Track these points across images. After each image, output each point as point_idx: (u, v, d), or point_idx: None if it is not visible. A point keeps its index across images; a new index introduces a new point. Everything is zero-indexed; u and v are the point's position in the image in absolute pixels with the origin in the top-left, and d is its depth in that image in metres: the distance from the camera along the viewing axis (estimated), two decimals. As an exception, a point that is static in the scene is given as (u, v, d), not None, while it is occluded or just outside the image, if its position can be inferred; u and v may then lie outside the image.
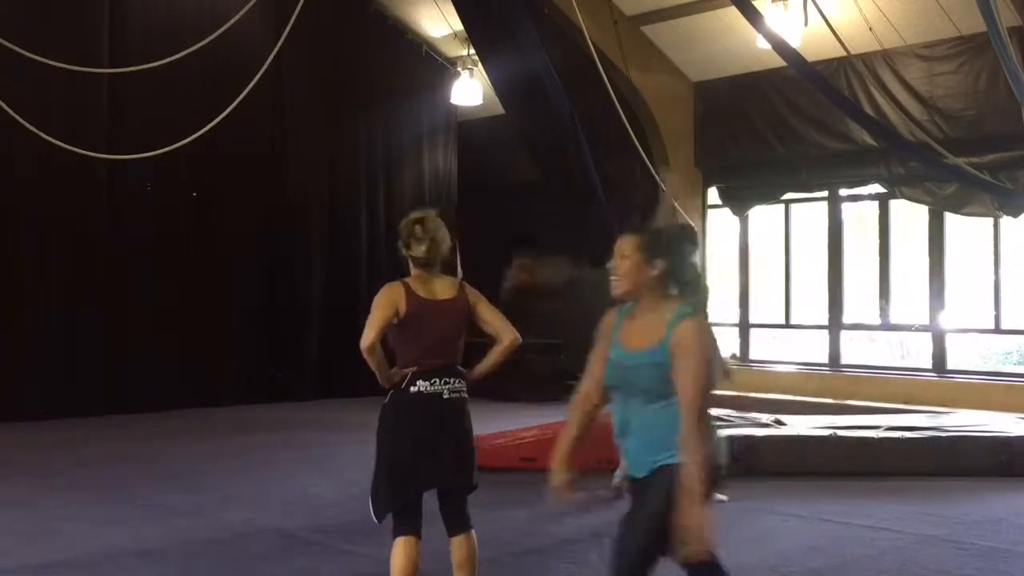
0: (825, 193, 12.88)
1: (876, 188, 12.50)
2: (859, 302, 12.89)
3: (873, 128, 10.46)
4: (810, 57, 10.05)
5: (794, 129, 12.61)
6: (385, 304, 4.43)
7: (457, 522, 4.58)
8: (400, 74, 14.79)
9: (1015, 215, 11.04)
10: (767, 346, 13.98)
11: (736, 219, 13.70)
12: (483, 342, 4.60)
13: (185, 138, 10.15)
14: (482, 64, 11.37)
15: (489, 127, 14.82)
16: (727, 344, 13.08)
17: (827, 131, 12.22)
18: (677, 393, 3.38)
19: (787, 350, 13.67)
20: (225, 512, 7.09)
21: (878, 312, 12.58)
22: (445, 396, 4.43)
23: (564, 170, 9.61)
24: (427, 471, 4.44)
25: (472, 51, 13.48)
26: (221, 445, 10.12)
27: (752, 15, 8.98)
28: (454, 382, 4.47)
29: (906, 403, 11.05)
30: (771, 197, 13.33)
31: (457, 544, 4.57)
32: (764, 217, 13.73)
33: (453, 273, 14.39)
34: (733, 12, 9.71)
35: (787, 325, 13.44)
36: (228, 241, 12.97)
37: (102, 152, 11.09)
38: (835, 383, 12.33)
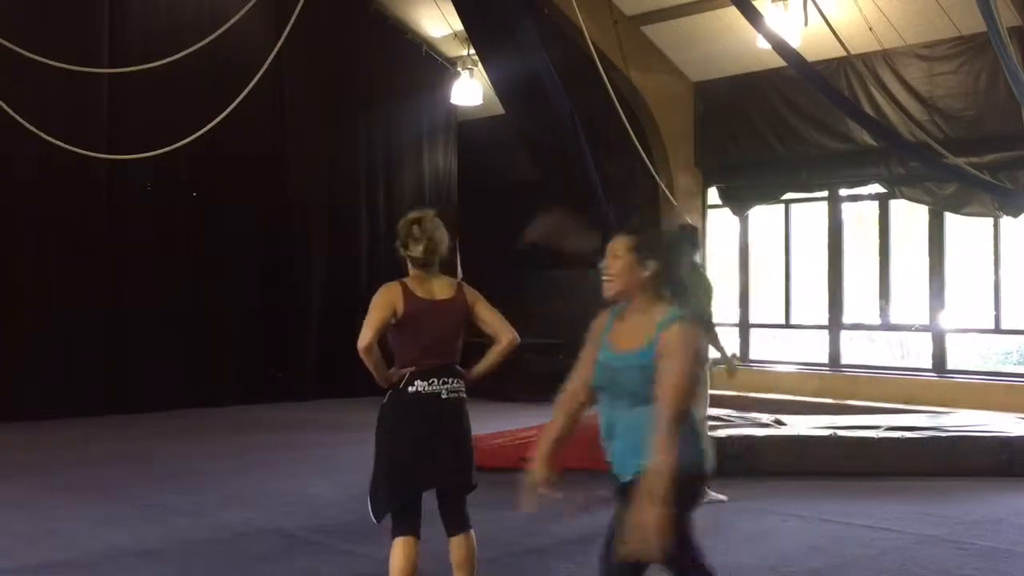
0: (825, 193, 12.87)
1: (876, 188, 12.50)
2: (859, 302, 12.89)
3: (873, 128, 10.46)
4: (810, 57, 10.05)
5: (794, 129, 12.60)
6: (382, 304, 4.43)
7: (456, 522, 4.58)
8: (400, 74, 14.79)
9: (1015, 215, 11.04)
10: (767, 346, 13.99)
11: (736, 219, 13.70)
12: (481, 342, 4.59)
13: (185, 138, 10.15)
14: (482, 64, 11.36)
15: (489, 127, 14.81)
16: (728, 344, 13.07)
17: (827, 131, 12.22)
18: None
19: (787, 350, 13.67)
20: (225, 512, 7.09)
21: (878, 312, 12.58)
22: (443, 396, 4.43)
23: (564, 170, 9.60)
24: (426, 471, 4.44)
25: (472, 51, 13.48)
26: (221, 445, 10.12)
27: (752, 15, 8.98)
28: (452, 382, 4.47)
29: (906, 403, 11.05)
30: (771, 197, 13.33)
31: (456, 544, 4.57)
32: (764, 217, 13.73)
33: (453, 273, 14.44)
34: (733, 12, 9.71)
35: (787, 325, 13.44)
36: (228, 241, 12.97)
37: (102, 152, 11.10)
38: (835, 383, 12.33)
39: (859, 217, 13.34)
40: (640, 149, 11.23)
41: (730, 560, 5.95)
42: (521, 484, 3.64)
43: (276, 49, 10.59)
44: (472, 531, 4.61)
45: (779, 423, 9.34)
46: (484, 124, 15.12)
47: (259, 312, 13.40)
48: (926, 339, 12.19)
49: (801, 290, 13.31)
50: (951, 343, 12.03)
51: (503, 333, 4.54)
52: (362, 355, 4.37)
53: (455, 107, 15.46)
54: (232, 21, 10.33)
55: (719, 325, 8.00)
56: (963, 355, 12.60)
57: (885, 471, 8.44)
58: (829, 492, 7.84)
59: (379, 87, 14.54)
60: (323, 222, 14.07)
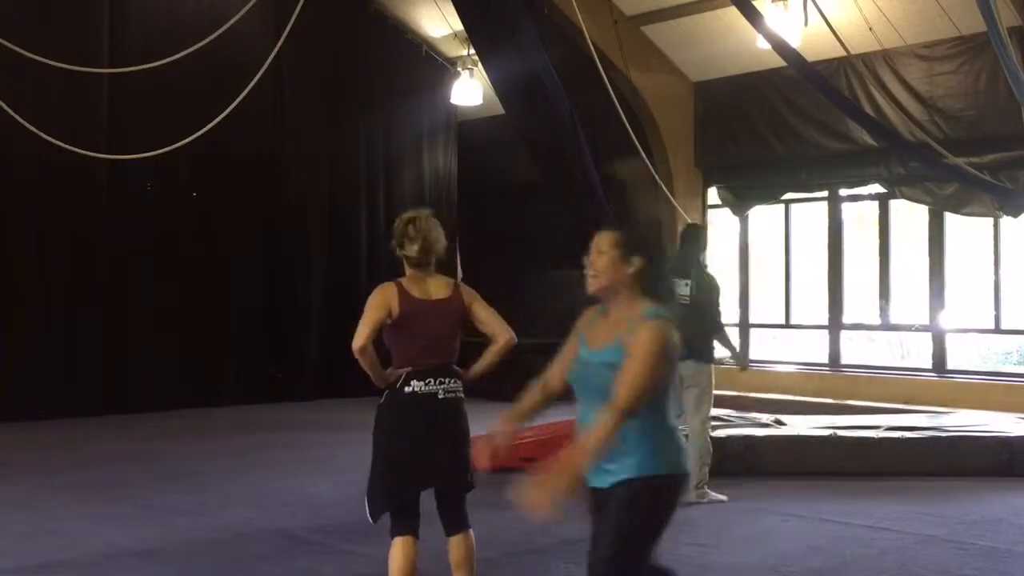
0: (825, 193, 12.87)
1: (876, 188, 12.50)
2: (859, 302, 12.89)
3: (873, 128, 10.46)
4: (810, 57, 10.05)
5: (794, 129, 12.61)
6: (378, 305, 4.43)
7: (455, 522, 4.58)
8: (400, 74, 14.78)
9: (1015, 215, 11.04)
10: (767, 346, 13.99)
11: (736, 219, 13.70)
12: (479, 342, 4.59)
13: (185, 138, 10.16)
14: (482, 64, 11.36)
15: (489, 127, 14.81)
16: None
17: (827, 131, 12.21)
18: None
19: (787, 350, 13.67)
20: (225, 512, 7.09)
21: (878, 312, 12.58)
22: (440, 396, 4.43)
23: (564, 170, 9.60)
24: (423, 471, 4.44)
25: (472, 51, 13.47)
26: (221, 445, 10.12)
27: (752, 15, 8.98)
28: (449, 382, 4.47)
29: (906, 403, 11.05)
30: (771, 197, 13.33)
31: (455, 544, 4.57)
32: (764, 217, 13.73)
33: (452, 273, 14.45)
34: (733, 12, 9.71)
35: (787, 325, 13.44)
36: (228, 241, 12.97)
37: (102, 152, 11.10)
38: (835, 383, 12.32)
39: (859, 217, 13.34)
40: (640, 149, 11.23)
41: (730, 560, 5.96)
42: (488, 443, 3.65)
43: (276, 49, 10.59)
44: (471, 531, 4.61)
45: (779, 423, 9.33)
46: (484, 124, 15.11)
47: (259, 312, 13.39)
48: (926, 339, 12.19)
49: (801, 290, 13.31)
50: (951, 343, 12.03)
51: (500, 332, 4.54)
52: (357, 356, 4.37)
53: (455, 107, 15.45)
54: (232, 21, 10.33)
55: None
56: (963, 355, 12.61)
57: (885, 471, 8.44)
58: (829, 492, 7.84)
59: (379, 87, 14.53)
60: (323, 222, 14.07)
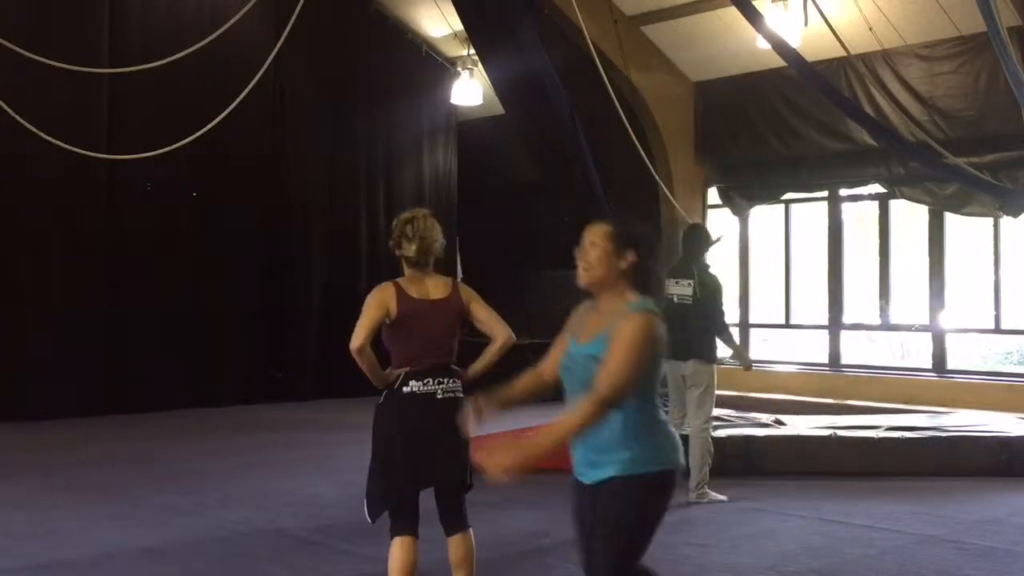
0: (825, 193, 12.88)
1: (876, 188, 12.50)
2: (859, 302, 12.89)
3: (873, 128, 10.46)
4: (810, 57, 10.05)
5: (794, 129, 12.61)
6: (376, 305, 4.43)
7: (454, 521, 4.58)
8: (400, 74, 14.78)
9: (1015, 215, 11.04)
10: (767, 346, 13.99)
11: (736, 219, 13.70)
12: (479, 341, 4.59)
13: (185, 138, 10.15)
14: (482, 64, 11.36)
15: (489, 127, 14.82)
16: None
17: (827, 131, 12.22)
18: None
19: (787, 350, 13.68)
20: (225, 512, 7.09)
21: (878, 312, 12.58)
22: (439, 396, 4.43)
23: (564, 170, 9.61)
24: (422, 471, 4.44)
25: (472, 51, 13.48)
26: (221, 445, 10.12)
27: (752, 15, 8.98)
28: (448, 382, 4.46)
29: (906, 403, 11.05)
30: (771, 197, 13.33)
31: (455, 543, 4.57)
32: (764, 217, 13.73)
33: (452, 273, 14.45)
34: (733, 12, 9.71)
35: (787, 325, 13.44)
36: (228, 241, 12.96)
37: (102, 152, 11.09)
38: (835, 383, 12.33)
39: (859, 217, 13.34)
40: (640, 149, 11.23)
41: (730, 560, 5.96)
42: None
43: (276, 49, 10.59)
44: (471, 530, 4.61)
45: (779, 423, 9.33)
46: (484, 124, 15.12)
47: (259, 312, 13.39)
48: (926, 339, 12.19)
49: (801, 290, 13.31)
50: (951, 343, 12.03)
51: (499, 332, 4.54)
52: (355, 356, 4.37)
53: (455, 107, 15.46)
54: (232, 21, 10.33)
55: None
56: (963, 355, 12.61)
57: (885, 471, 8.44)
58: (829, 492, 7.84)
59: (379, 87, 14.53)
60: (323, 222, 14.06)
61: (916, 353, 13.00)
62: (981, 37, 9.84)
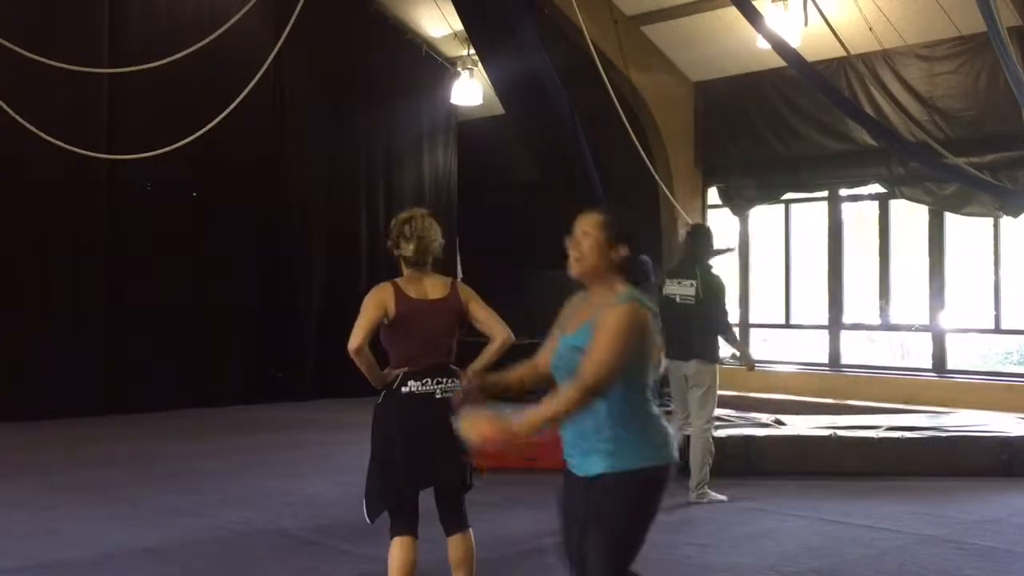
0: (825, 193, 12.87)
1: (876, 188, 12.49)
2: (859, 302, 12.89)
3: (873, 128, 10.46)
4: (810, 57, 10.05)
5: (794, 129, 12.60)
6: (374, 305, 4.43)
7: (454, 521, 4.58)
8: (400, 74, 14.78)
9: (1015, 215, 11.04)
10: (767, 346, 13.99)
11: (736, 219, 13.70)
12: (478, 341, 4.59)
13: (185, 138, 10.16)
14: (482, 64, 11.36)
15: (489, 127, 14.82)
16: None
17: (827, 131, 12.21)
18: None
19: (787, 350, 13.68)
20: (225, 512, 7.09)
21: (878, 312, 12.58)
22: (438, 396, 4.42)
23: (564, 170, 9.61)
24: (421, 471, 4.44)
25: (472, 51, 13.48)
26: (221, 445, 10.12)
27: (752, 15, 8.99)
28: (447, 382, 4.46)
29: (906, 403, 11.04)
30: (771, 197, 13.33)
31: (454, 543, 4.57)
32: (764, 217, 13.73)
33: (452, 273, 14.45)
34: (733, 12, 9.71)
35: (787, 325, 13.44)
36: (228, 241, 12.96)
37: (102, 152, 11.10)
38: (835, 383, 12.32)
39: (859, 217, 13.34)
40: (640, 149, 11.23)
41: (730, 560, 5.96)
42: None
43: (276, 49, 10.60)
44: (471, 530, 4.61)
45: (779, 423, 9.34)
46: (484, 124, 15.12)
47: (259, 312, 13.39)
48: (926, 339, 12.19)
49: (801, 290, 13.31)
50: (951, 343, 12.02)
51: (498, 331, 4.53)
52: (353, 356, 4.38)
53: (455, 107, 15.46)
54: (232, 21, 10.33)
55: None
56: (963, 355, 12.60)
57: (885, 471, 8.44)
58: (829, 492, 7.84)
59: (379, 87, 14.53)
60: (323, 222, 14.07)
61: (916, 353, 12.99)
62: (981, 37, 9.84)
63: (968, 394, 11.08)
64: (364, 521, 4.54)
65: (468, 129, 15.74)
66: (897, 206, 12.40)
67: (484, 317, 4.58)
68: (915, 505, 7.39)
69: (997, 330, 11.83)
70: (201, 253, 12.76)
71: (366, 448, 4.56)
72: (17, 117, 9.53)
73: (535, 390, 3.58)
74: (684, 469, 7.61)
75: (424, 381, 4.42)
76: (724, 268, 13.42)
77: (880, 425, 9.16)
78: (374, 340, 4.44)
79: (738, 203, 13.58)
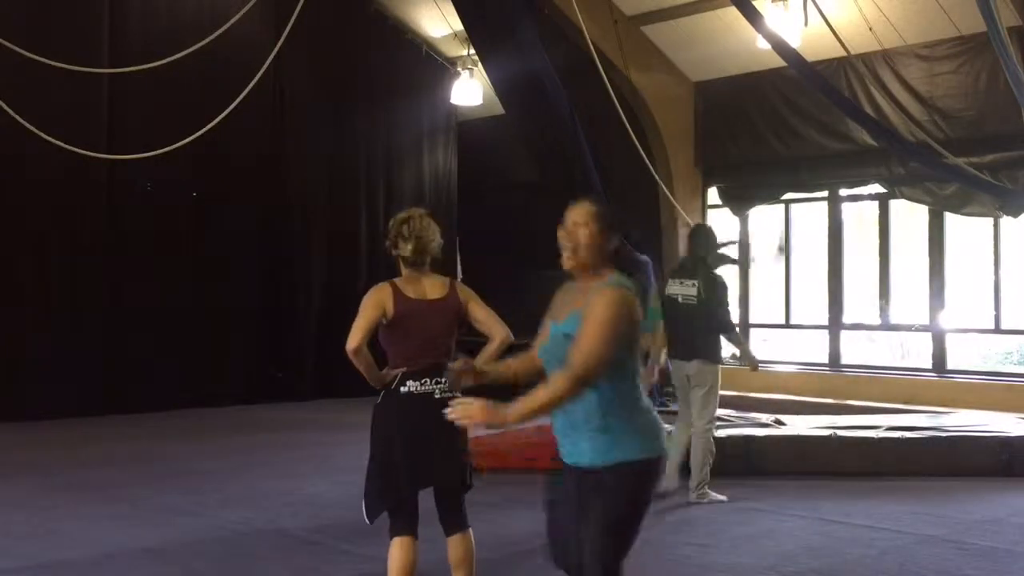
0: (825, 193, 12.88)
1: (876, 188, 12.50)
2: (859, 302, 12.89)
3: (873, 128, 10.46)
4: (810, 57, 10.05)
5: (794, 129, 12.61)
6: (372, 305, 4.43)
7: (454, 521, 4.58)
8: (400, 74, 14.78)
9: (1015, 215, 11.04)
10: (767, 346, 13.99)
11: (736, 219, 13.70)
12: (477, 341, 4.59)
13: (185, 138, 10.16)
14: (482, 64, 11.36)
15: (489, 127, 14.82)
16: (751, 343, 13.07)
17: (827, 131, 12.22)
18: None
19: (787, 350, 13.68)
20: (225, 512, 7.09)
21: (878, 312, 12.58)
22: (436, 395, 4.42)
23: (564, 170, 9.61)
24: (420, 471, 4.44)
25: (472, 51, 13.48)
26: (221, 445, 10.12)
27: (752, 15, 8.98)
28: (446, 381, 4.46)
29: (906, 403, 11.05)
30: (771, 197, 13.33)
31: (454, 543, 4.57)
32: (764, 217, 13.73)
33: (452, 272, 14.45)
34: (733, 12, 9.71)
35: (787, 325, 13.44)
36: (228, 241, 12.96)
37: (102, 152, 11.10)
38: (835, 383, 12.32)
39: (859, 217, 13.34)
40: (640, 149, 11.23)
41: (730, 560, 5.96)
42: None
43: (276, 49, 10.60)
44: (470, 530, 4.61)
45: (779, 423, 9.34)
46: (484, 124, 15.12)
47: (259, 312, 13.39)
48: (926, 339, 12.19)
49: (801, 290, 13.31)
50: (951, 343, 12.03)
51: (497, 331, 4.53)
52: (351, 357, 4.38)
53: (455, 107, 15.46)
54: (232, 21, 10.34)
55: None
56: (963, 355, 12.60)
57: (885, 471, 8.44)
58: (829, 492, 7.84)
59: (379, 87, 14.53)
60: (323, 222, 14.07)
61: (916, 353, 12.99)
62: (981, 37, 9.84)
63: (968, 394, 11.09)
64: (364, 521, 4.54)
65: (468, 129, 15.74)
66: (897, 206, 12.40)
67: (483, 317, 4.58)
68: (915, 505, 7.39)
69: (997, 330, 11.83)
70: (201, 253, 12.76)
71: (366, 448, 4.56)
72: (17, 117, 9.53)
73: (530, 383, 3.56)
74: (685, 468, 7.63)
75: (423, 381, 4.42)
76: (724, 268, 13.50)
77: (880, 425, 9.16)
78: (373, 340, 4.44)
79: (738, 203, 13.58)
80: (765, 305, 13.69)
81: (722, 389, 7.66)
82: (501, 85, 10.04)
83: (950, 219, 11.87)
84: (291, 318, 13.68)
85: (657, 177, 11.89)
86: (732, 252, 8.02)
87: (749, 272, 13.70)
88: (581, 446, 3.32)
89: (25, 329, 11.45)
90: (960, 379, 11.66)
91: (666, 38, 13.17)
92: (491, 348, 4.51)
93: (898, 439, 8.74)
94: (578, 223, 3.38)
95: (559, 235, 3.43)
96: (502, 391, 3.68)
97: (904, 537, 6.51)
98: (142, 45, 11.56)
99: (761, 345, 13.87)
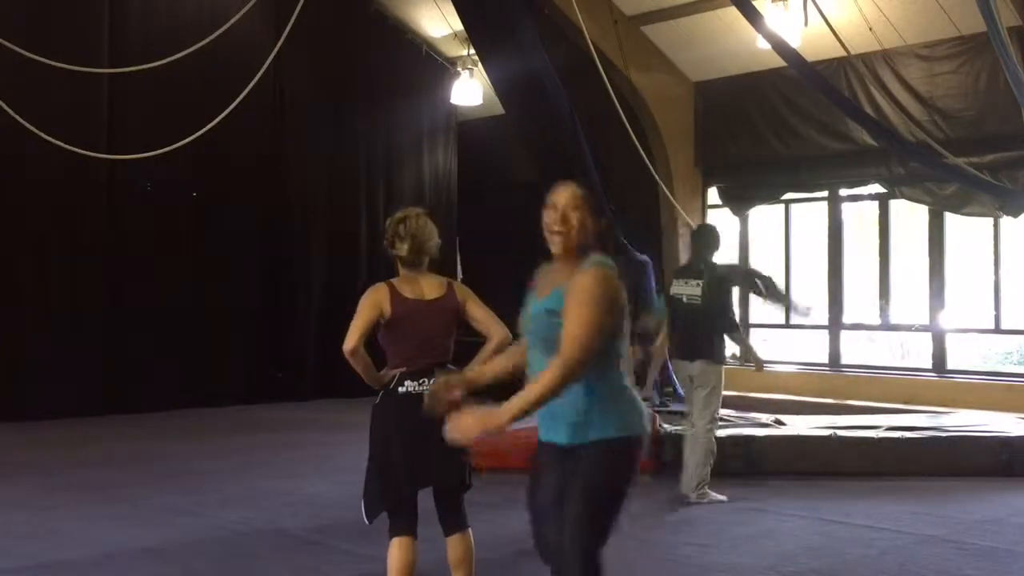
0: (825, 193, 12.87)
1: (876, 188, 12.49)
2: (859, 302, 12.89)
3: (873, 128, 10.46)
4: (810, 57, 10.05)
5: (794, 129, 12.60)
6: (369, 306, 4.43)
7: (453, 521, 4.58)
8: (400, 74, 14.78)
9: (1015, 215, 11.04)
10: (767, 346, 13.98)
11: (736, 219, 13.70)
12: (477, 341, 4.59)
13: (185, 138, 10.16)
14: (482, 64, 11.37)
15: (489, 127, 14.82)
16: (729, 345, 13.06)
17: (827, 131, 12.21)
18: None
19: (787, 350, 13.68)
20: (225, 512, 7.09)
21: (878, 312, 12.58)
22: None
23: (564, 170, 9.61)
24: (419, 471, 4.43)
25: (472, 51, 13.49)
26: (221, 445, 10.12)
27: (752, 15, 8.98)
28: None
29: (906, 403, 11.05)
30: (771, 197, 13.33)
31: (453, 543, 4.57)
32: (764, 217, 13.73)
33: (452, 272, 14.44)
34: (733, 12, 9.71)
35: (787, 325, 13.44)
36: (228, 241, 12.96)
37: (102, 152, 11.10)
38: (835, 383, 12.32)
39: (859, 217, 13.34)
40: (640, 149, 11.23)
41: (730, 560, 5.96)
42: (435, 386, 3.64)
43: (276, 49, 10.60)
44: (470, 530, 4.61)
45: (779, 423, 9.34)
46: (484, 124, 15.12)
47: (259, 312, 13.39)
48: (926, 339, 12.19)
49: (801, 290, 13.30)
50: (951, 343, 12.03)
51: (495, 331, 4.52)
52: (348, 357, 4.38)
53: (455, 107, 15.46)
54: (232, 21, 10.35)
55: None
56: (963, 355, 12.60)
57: (885, 471, 8.44)
58: (829, 492, 7.85)
59: (379, 87, 14.53)
60: (323, 222, 14.07)
61: (916, 353, 12.99)
62: (981, 37, 9.84)
63: (968, 394, 11.08)
64: (363, 521, 4.54)
65: (468, 129, 15.74)
66: (897, 206, 12.40)
67: (481, 316, 4.57)
68: (915, 505, 7.39)
69: (997, 330, 11.83)
70: (201, 253, 12.76)
71: (366, 448, 4.56)
72: (17, 117, 9.54)
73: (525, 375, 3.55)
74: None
75: (421, 381, 4.42)
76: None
77: (880, 425, 9.16)
78: (373, 340, 4.44)
79: (738, 203, 13.58)
80: (765, 305, 13.68)
81: (723, 389, 7.65)
82: (501, 85, 10.05)
83: (950, 219, 11.87)
84: (291, 318, 13.68)
85: (657, 177, 11.89)
86: (801, 308, 7.95)
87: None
88: (559, 424, 3.30)
89: (25, 329, 11.46)
90: (960, 379, 11.66)
91: (666, 38, 13.17)
92: (489, 348, 4.50)
93: (898, 439, 8.74)
94: (569, 206, 3.36)
95: (547, 218, 3.38)
96: (489, 385, 3.68)
97: (904, 537, 6.51)
98: (142, 45, 11.56)
99: (761, 345, 13.87)
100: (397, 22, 14.76)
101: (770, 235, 13.62)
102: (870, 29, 11.14)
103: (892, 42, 11.48)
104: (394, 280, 4.54)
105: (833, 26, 9.90)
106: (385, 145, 14.81)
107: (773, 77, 12.43)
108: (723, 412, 8.07)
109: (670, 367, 7.67)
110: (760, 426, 9.22)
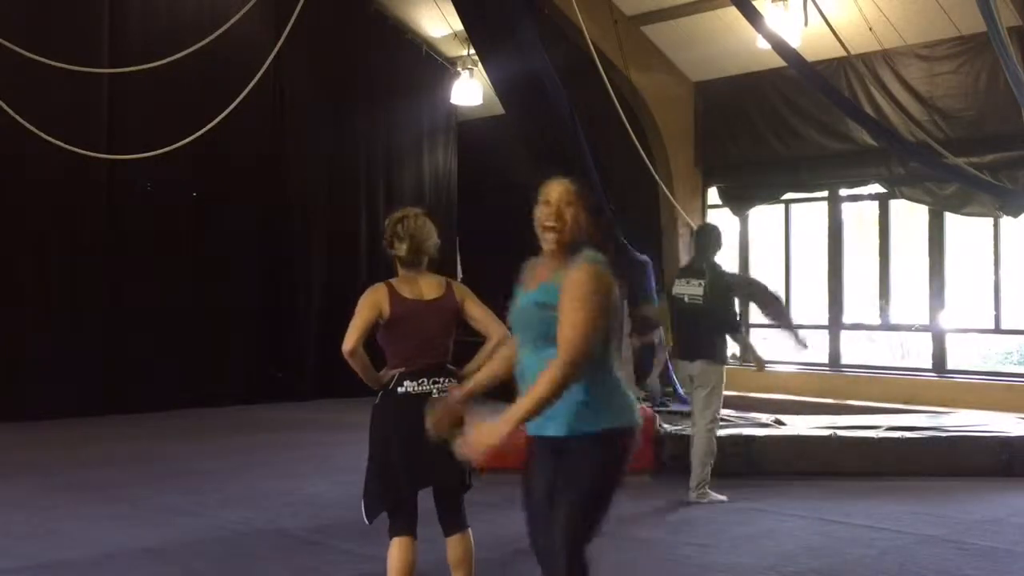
0: (825, 193, 12.87)
1: (876, 188, 12.49)
2: (859, 302, 12.89)
3: (873, 128, 10.46)
4: (810, 57, 10.05)
5: (794, 129, 12.60)
6: (368, 306, 4.43)
7: (453, 521, 4.58)
8: (400, 74, 14.78)
9: (1015, 215, 11.04)
10: (767, 346, 13.97)
11: (736, 219, 13.70)
12: (476, 341, 4.59)
13: (185, 138, 10.17)
14: (482, 64, 11.37)
15: (489, 127, 14.81)
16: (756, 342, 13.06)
17: (827, 131, 12.21)
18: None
19: (787, 350, 13.65)
20: (225, 512, 7.09)
21: (878, 312, 12.58)
22: (434, 396, 4.41)
23: (564, 170, 9.60)
24: (418, 471, 4.43)
25: (472, 51, 13.49)
26: (221, 445, 10.12)
27: (752, 15, 8.99)
28: (444, 381, 4.45)
29: (906, 403, 11.04)
30: (771, 197, 13.33)
31: (453, 543, 4.57)
32: (764, 217, 13.73)
33: (452, 272, 14.45)
34: (733, 12, 9.72)
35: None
36: (228, 241, 12.96)
37: (102, 152, 11.10)
38: (835, 383, 12.32)
39: (859, 217, 13.34)
40: (640, 149, 11.23)
41: (730, 560, 5.96)
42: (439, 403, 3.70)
43: (276, 49, 10.61)
44: (469, 530, 4.61)
45: (779, 423, 9.34)
46: (484, 124, 15.11)
47: (259, 312, 13.39)
48: (926, 339, 12.18)
49: (801, 290, 13.30)
50: (951, 343, 12.02)
51: (494, 330, 4.51)
52: (347, 358, 4.38)
53: (455, 107, 15.46)
54: (232, 21, 10.35)
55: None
56: (963, 355, 12.60)
57: (885, 471, 8.44)
58: (829, 492, 7.85)
59: (379, 87, 14.53)
60: (323, 222, 14.07)
61: (916, 353, 12.99)
62: (981, 37, 9.84)
63: (968, 394, 11.08)
64: (363, 521, 4.54)
65: (468, 129, 15.73)
66: (897, 206, 12.40)
67: (480, 316, 4.57)
68: (915, 505, 7.39)
69: (997, 330, 11.82)
70: (201, 253, 12.76)
71: (366, 448, 4.56)
72: (17, 117, 9.54)
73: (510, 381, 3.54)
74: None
75: (420, 381, 4.42)
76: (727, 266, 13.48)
77: (880, 425, 9.16)
78: (372, 340, 4.44)
79: (738, 203, 13.58)
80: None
81: (723, 389, 7.64)
82: (501, 85, 10.05)
83: (950, 219, 11.87)
84: (291, 318, 13.68)
85: (657, 177, 11.89)
86: (801, 340, 7.99)
87: (748, 272, 13.68)
88: (549, 418, 3.28)
89: (25, 329, 11.46)
90: (960, 379, 11.66)
91: (666, 38, 13.17)
92: (488, 347, 4.50)
93: (898, 439, 8.75)
94: (563, 201, 3.35)
95: (540, 213, 3.37)
96: (502, 390, 3.67)
97: (904, 537, 6.51)
98: (142, 45, 11.57)
99: (761, 345, 13.86)
100: (397, 22, 14.76)
101: (770, 235, 13.62)
102: (870, 29, 11.14)
103: (892, 42, 11.48)
104: (393, 280, 4.54)
105: (833, 26, 9.90)
106: (385, 145, 14.81)
107: (773, 77, 12.43)
108: (724, 412, 8.07)
109: (670, 367, 7.66)
110: (760, 426, 9.22)
